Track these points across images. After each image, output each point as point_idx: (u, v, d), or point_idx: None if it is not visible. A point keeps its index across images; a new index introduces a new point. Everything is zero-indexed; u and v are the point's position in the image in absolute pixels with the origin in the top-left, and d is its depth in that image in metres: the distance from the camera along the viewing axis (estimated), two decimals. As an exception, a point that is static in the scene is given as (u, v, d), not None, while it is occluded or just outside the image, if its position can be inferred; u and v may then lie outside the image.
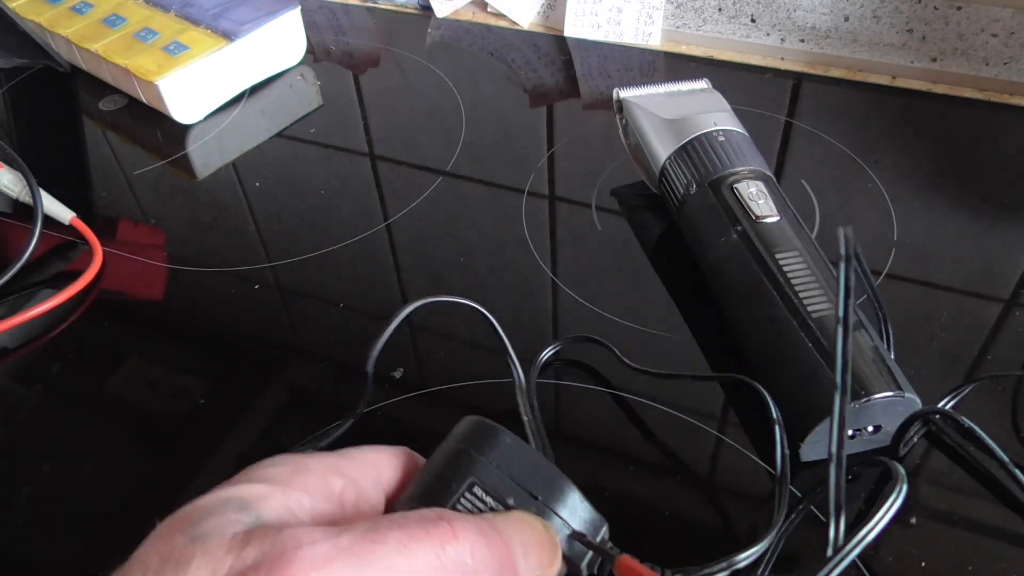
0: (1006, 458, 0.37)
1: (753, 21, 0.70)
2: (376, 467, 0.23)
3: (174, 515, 0.19)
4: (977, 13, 0.63)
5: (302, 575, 0.17)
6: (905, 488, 0.30)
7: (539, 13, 0.77)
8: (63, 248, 0.56)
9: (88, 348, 0.49)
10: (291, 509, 0.20)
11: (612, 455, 0.41)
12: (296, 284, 0.52)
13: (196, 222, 0.57)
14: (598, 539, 0.23)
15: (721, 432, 0.42)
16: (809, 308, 0.40)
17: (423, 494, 0.22)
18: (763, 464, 0.40)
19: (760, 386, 0.40)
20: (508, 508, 0.21)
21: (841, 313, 0.25)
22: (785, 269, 0.42)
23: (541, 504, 0.22)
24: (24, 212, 0.57)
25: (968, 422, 0.38)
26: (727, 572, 0.29)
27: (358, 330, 0.49)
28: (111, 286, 0.53)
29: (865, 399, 0.36)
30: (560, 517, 0.22)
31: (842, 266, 0.29)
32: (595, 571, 0.23)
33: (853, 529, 0.29)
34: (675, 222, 0.51)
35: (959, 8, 0.63)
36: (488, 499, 0.22)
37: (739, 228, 0.44)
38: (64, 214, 0.56)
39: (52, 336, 0.49)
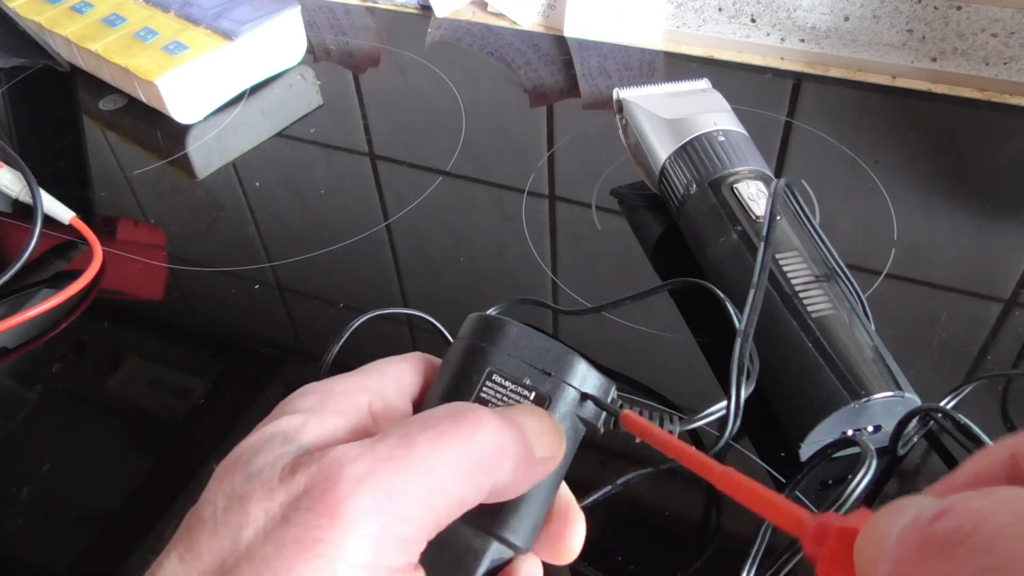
0: (975, 427, 0.37)
1: (753, 21, 0.70)
2: (398, 377, 0.25)
3: (229, 457, 0.21)
4: (977, 13, 0.63)
5: (350, 491, 0.19)
6: (874, 463, 0.33)
7: (539, 13, 0.77)
8: (63, 248, 0.56)
9: (88, 348, 0.49)
10: (329, 431, 0.22)
11: (611, 454, 0.41)
12: (296, 284, 0.52)
13: (196, 222, 0.57)
14: (608, 399, 0.25)
15: (720, 431, 0.42)
16: (809, 308, 0.40)
17: (447, 391, 0.24)
18: (763, 464, 0.40)
19: (710, 285, 0.42)
20: (526, 387, 0.24)
21: (764, 232, 0.35)
22: (785, 269, 0.42)
23: (555, 379, 0.24)
24: (24, 212, 0.57)
25: (964, 419, 0.38)
26: (718, 416, 0.33)
27: (358, 329, 0.49)
28: (111, 286, 0.53)
29: (865, 399, 0.36)
30: (572, 386, 0.24)
31: (769, 201, 0.38)
32: (611, 427, 0.26)
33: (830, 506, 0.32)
34: (675, 222, 0.51)
35: (959, 8, 0.63)
36: (507, 383, 0.24)
37: (739, 228, 0.44)
38: (64, 214, 0.56)
39: (52, 336, 0.49)
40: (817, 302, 0.40)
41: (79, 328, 0.50)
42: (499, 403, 0.24)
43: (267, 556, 0.18)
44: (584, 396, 0.25)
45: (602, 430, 0.25)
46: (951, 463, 0.40)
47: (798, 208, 0.43)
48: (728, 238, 0.45)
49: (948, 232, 0.53)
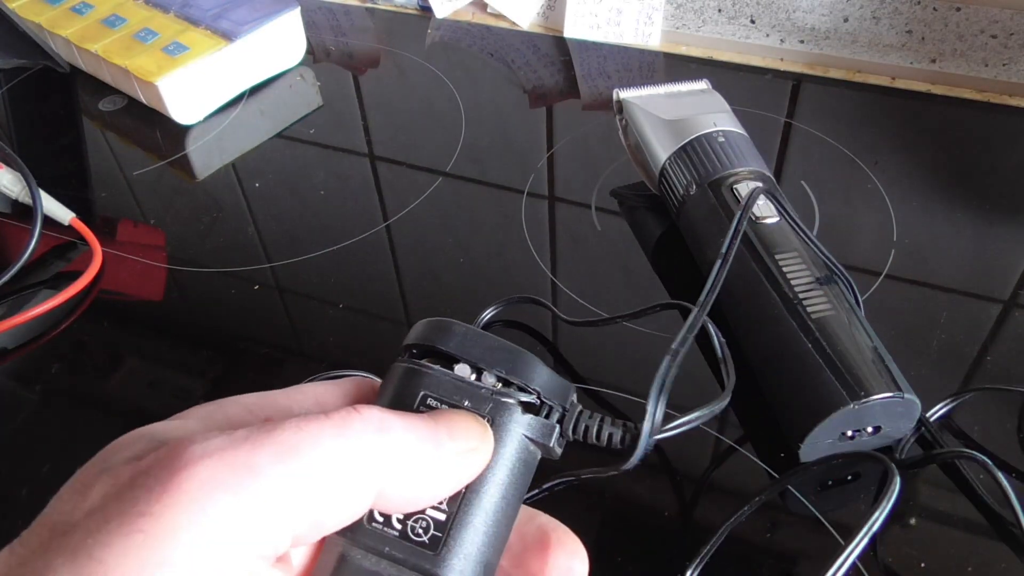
0: (1002, 477, 0.37)
1: (753, 22, 0.70)
2: (314, 397, 0.22)
3: (92, 458, 0.19)
4: (976, 14, 0.63)
5: (187, 465, 0.17)
6: (898, 481, 0.33)
7: (539, 14, 0.77)
8: (62, 248, 0.56)
9: (88, 348, 0.49)
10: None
11: (609, 452, 0.41)
12: (296, 284, 0.52)
13: (196, 223, 0.57)
14: (567, 403, 0.23)
15: (720, 432, 0.42)
16: (808, 309, 0.40)
17: None
18: (762, 464, 0.40)
19: (692, 308, 0.42)
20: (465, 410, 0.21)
21: (723, 249, 0.35)
22: (784, 270, 0.42)
23: (495, 398, 0.21)
24: (24, 213, 0.57)
25: (943, 440, 0.38)
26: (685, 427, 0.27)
27: (358, 330, 0.49)
28: (110, 287, 0.53)
29: (864, 400, 0.36)
30: (514, 400, 0.21)
31: (738, 213, 0.38)
32: (569, 438, 0.23)
33: (855, 526, 0.31)
34: (675, 223, 0.51)
35: (958, 9, 0.63)
36: (444, 407, 0.21)
37: (739, 229, 0.44)
38: (64, 215, 0.56)
39: (52, 336, 0.49)
40: (817, 303, 0.40)
41: (79, 329, 0.50)
42: None
43: (89, 529, 0.16)
44: (527, 407, 0.22)
45: (558, 451, 0.22)
46: (948, 468, 0.40)
47: (782, 209, 0.43)
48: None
49: (947, 233, 0.53)
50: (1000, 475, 0.37)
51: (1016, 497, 0.36)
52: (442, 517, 0.20)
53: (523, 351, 0.22)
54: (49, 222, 0.55)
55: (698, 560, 0.36)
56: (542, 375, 0.22)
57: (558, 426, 0.22)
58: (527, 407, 0.22)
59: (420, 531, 0.20)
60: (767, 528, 0.38)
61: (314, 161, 0.62)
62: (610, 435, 0.23)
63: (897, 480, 0.33)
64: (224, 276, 0.53)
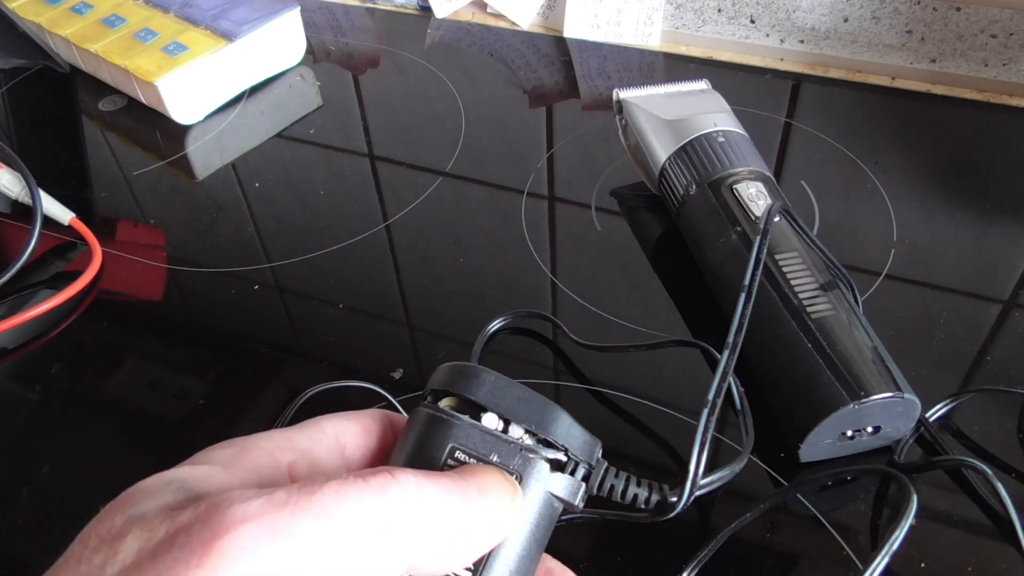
0: (1003, 489, 0.37)
1: (752, 22, 0.70)
2: (336, 436, 0.23)
3: (116, 499, 0.19)
4: (976, 14, 0.63)
5: (229, 528, 0.17)
6: (915, 500, 0.33)
7: (539, 14, 0.77)
8: (62, 248, 0.56)
9: (88, 348, 0.49)
10: (236, 486, 0.20)
11: (609, 456, 0.41)
12: (296, 284, 0.52)
13: (195, 223, 0.57)
14: (594, 459, 0.23)
15: (720, 432, 0.42)
16: (808, 309, 0.40)
17: (407, 464, 0.22)
18: (763, 464, 0.40)
19: (708, 346, 0.41)
20: (493, 465, 0.21)
21: (747, 281, 0.33)
22: (784, 270, 0.42)
23: (525, 452, 0.21)
24: (23, 212, 0.57)
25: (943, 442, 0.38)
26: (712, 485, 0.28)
27: (358, 330, 0.49)
28: (110, 287, 0.53)
29: (864, 400, 0.36)
30: (545, 458, 0.21)
31: (757, 240, 0.36)
32: (593, 491, 0.23)
33: (874, 547, 0.32)
34: (675, 223, 0.51)
35: (958, 9, 0.63)
36: (471, 462, 0.21)
37: (739, 229, 0.44)
38: (63, 215, 0.56)
39: (52, 336, 0.49)
40: (817, 303, 0.40)
41: (79, 329, 0.50)
42: None
43: None
44: (556, 465, 0.22)
45: (580, 506, 0.22)
46: (948, 469, 0.40)
47: (789, 217, 0.43)
48: (728, 239, 0.45)
49: (947, 233, 0.53)
50: (1000, 486, 0.37)
51: (1015, 508, 0.36)
52: None
53: (552, 404, 0.22)
54: (49, 222, 0.55)
55: (694, 563, 0.36)
56: (570, 431, 0.22)
57: (584, 484, 0.22)
58: (554, 464, 0.22)
59: None
60: (767, 528, 0.38)
61: (314, 161, 0.62)
62: (635, 495, 0.23)
63: (914, 499, 0.33)
64: (224, 276, 0.53)
